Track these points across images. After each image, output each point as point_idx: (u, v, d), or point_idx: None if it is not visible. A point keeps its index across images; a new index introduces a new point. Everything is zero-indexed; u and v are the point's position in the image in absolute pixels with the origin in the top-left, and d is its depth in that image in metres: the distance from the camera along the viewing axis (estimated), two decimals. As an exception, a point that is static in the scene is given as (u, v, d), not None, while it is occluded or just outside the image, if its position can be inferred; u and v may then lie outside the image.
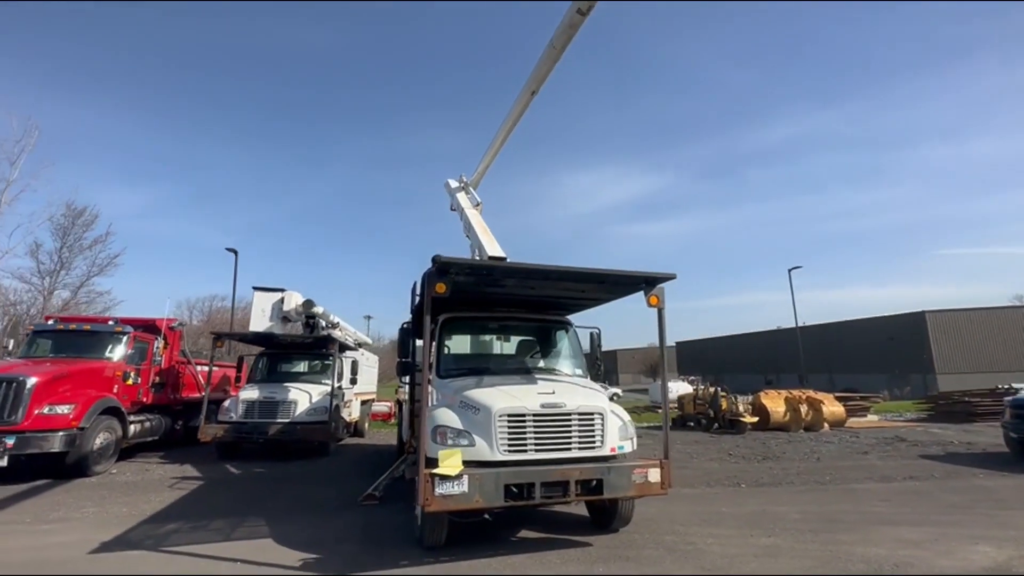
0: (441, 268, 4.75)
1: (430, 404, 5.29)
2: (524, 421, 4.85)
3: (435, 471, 4.42)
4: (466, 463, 4.63)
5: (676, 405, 20.95)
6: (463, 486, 4.44)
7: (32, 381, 8.35)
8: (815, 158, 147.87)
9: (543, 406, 4.91)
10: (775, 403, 17.03)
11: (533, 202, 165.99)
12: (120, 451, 9.86)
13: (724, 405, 16.94)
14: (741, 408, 16.66)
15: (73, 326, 10.51)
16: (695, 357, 72.85)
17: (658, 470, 5.06)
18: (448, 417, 4.98)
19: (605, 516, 5.67)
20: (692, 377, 23.76)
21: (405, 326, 6.96)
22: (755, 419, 16.37)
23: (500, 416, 4.79)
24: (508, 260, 7.64)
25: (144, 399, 10.88)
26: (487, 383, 5.44)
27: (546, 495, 4.70)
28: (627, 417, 5.52)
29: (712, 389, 17.83)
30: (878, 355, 44.31)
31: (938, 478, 8.68)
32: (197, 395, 12.49)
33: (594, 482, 4.84)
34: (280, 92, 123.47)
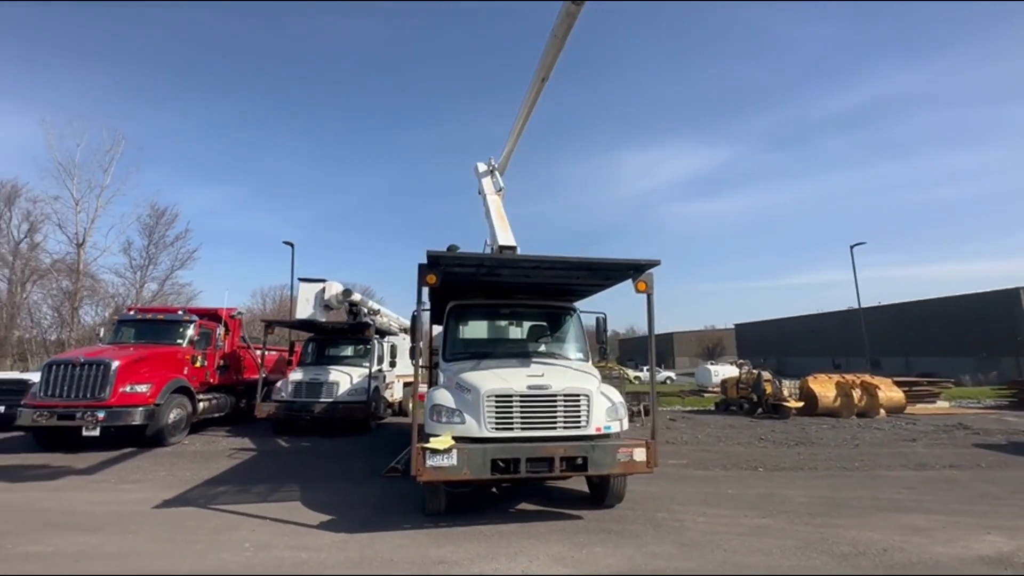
0: (432, 260, 5.15)
1: (434, 385, 5.77)
2: (511, 401, 5.20)
3: (426, 445, 4.89)
4: (458, 439, 5.06)
5: (719, 389, 20.52)
6: (452, 459, 4.88)
7: (116, 364, 9.70)
8: (900, 120, 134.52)
9: (529, 388, 5.23)
10: (824, 388, 16.28)
11: (590, 182, 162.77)
12: (191, 425, 11.21)
13: (768, 389, 16.41)
14: (786, 392, 16.07)
15: (149, 316, 11.99)
16: (755, 340, 69.73)
17: (643, 449, 5.25)
18: (444, 397, 5.43)
19: (600, 492, 5.94)
20: (741, 361, 22.99)
21: (415, 313, 7.46)
22: (800, 404, 15.76)
23: (488, 396, 5.17)
24: (518, 250, 7.98)
25: (211, 380, 12.24)
26: (484, 366, 5.82)
27: (532, 470, 5.05)
28: (618, 399, 5.72)
29: (755, 372, 17.26)
30: (963, 337, 40.55)
31: (983, 468, 8.16)
32: (257, 376, 13.82)
33: (579, 459, 5.12)
34: (337, 88, 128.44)
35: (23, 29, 64.82)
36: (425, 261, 5.27)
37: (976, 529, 5.15)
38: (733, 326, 79.26)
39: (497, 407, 5.17)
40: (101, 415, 9.32)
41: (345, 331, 13.26)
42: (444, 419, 5.24)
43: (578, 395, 5.33)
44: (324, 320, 12.23)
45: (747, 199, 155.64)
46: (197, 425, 11.82)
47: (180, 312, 12.11)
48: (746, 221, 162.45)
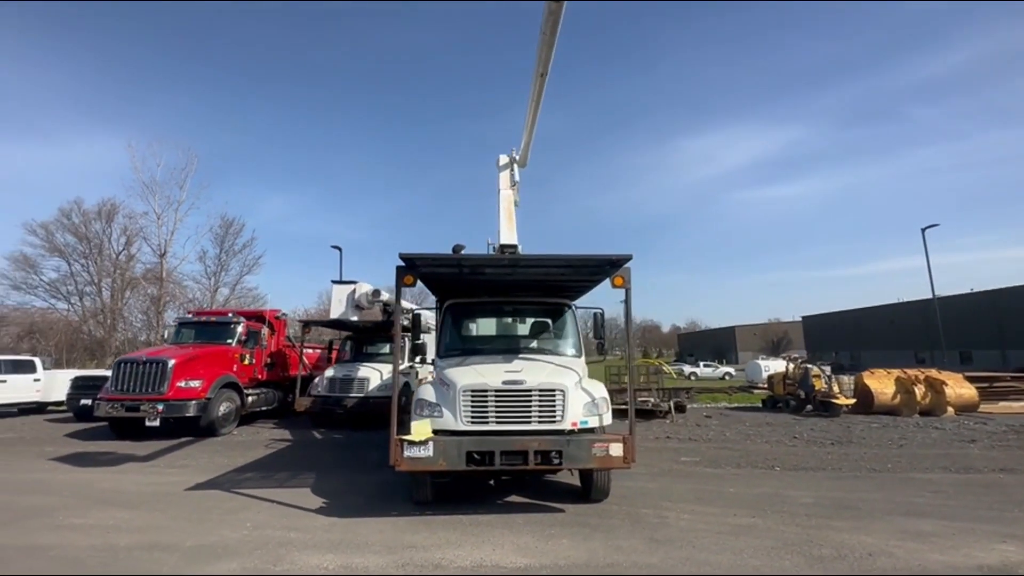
0: (408, 262, 5.42)
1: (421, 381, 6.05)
2: (486, 396, 5.37)
3: (404, 436, 5.18)
4: (436, 432, 5.32)
5: (766, 385, 19.53)
6: (429, 451, 5.14)
7: (172, 362, 10.84)
8: (1005, 82, 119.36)
9: (504, 383, 5.38)
10: (881, 384, 15.08)
11: (643, 173, 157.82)
12: (240, 417, 12.28)
13: (817, 385, 15.42)
14: (836, 388, 15.04)
15: (204, 318, 13.25)
16: (825, 333, 65.18)
17: (620, 445, 5.25)
18: (427, 392, 5.70)
19: (587, 487, 5.98)
20: (795, 355, 21.65)
21: (416, 312, 7.79)
22: (851, 401, 14.71)
23: (464, 391, 5.38)
24: (520, 249, 8.10)
25: (259, 376, 13.33)
26: (469, 362, 6.04)
27: (506, 463, 5.19)
28: (600, 394, 5.73)
29: (803, 367, 16.27)
30: (1074, 326, 35.71)
31: (1040, 472, 7.33)
32: (304, 373, 14.86)
33: (553, 453, 5.21)
34: (392, 97, 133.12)
35: (112, 61, 72.67)
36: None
37: (991, 537, 4.73)
38: (800, 319, 74.43)
39: (473, 401, 5.37)
40: (160, 407, 10.47)
41: (378, 329, 13.95)
42: (425, 413, 5.50)
43: (553, 390, 5.41)
44: (356, 319, 12.93)
45: (819, 182, 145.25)
46: (247, 417, 12.92)
47: (230, 315, 13.28)
48: (817, 205, 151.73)
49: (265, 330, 13.49)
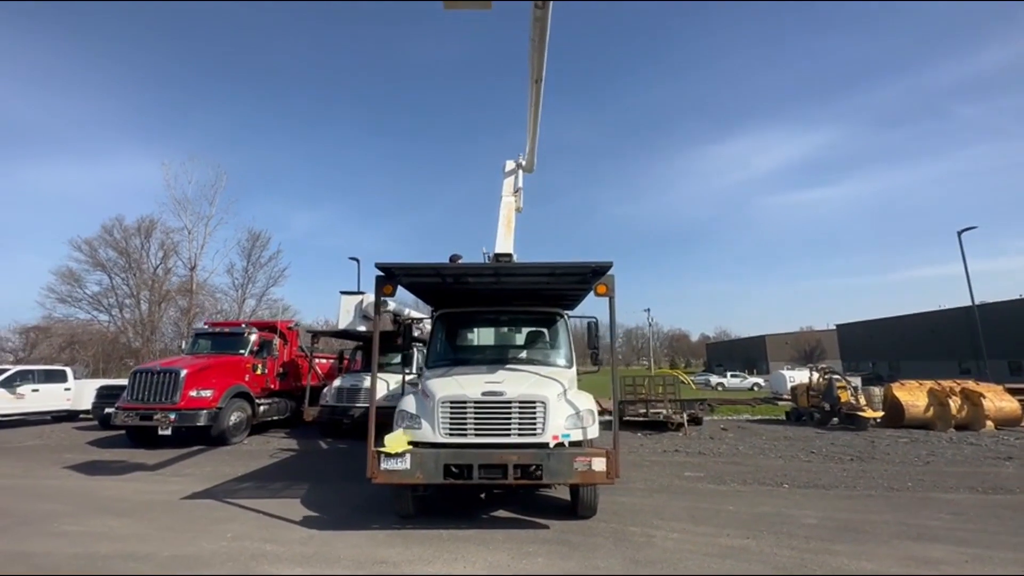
0: (387, 272, 5.40)
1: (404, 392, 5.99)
2: (465, 407, 5.27)
3: (380, 448, 5.12)
4: (415, 444, 5.25)
5: (789, 397, 18.76)
6: (406, 463, 5.06)
7: (184, 372, 11.12)
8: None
9: (484, 394, 5.27)
10: (912, 396, 14.25)
11: (674, 180, 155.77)
12: (252, 427, 12.49)
13: (843, 397, 14.69)
14: (863, 400, 14.30)
15: (218, 329, 13.58)
16: (861, 342, 62.48)
17: (603, 459, 5.05)
18: (408, 403, 5.64)
19: (574, 503, 5.78)
20: (823, 365, 20.72)
21: (408, 322, 7.76)
22: (879, 414, 13.95)
23: (443, 403, 5.29)
24: (514, 257, 8.01)
25: (271, 386, 13.55)
26: (452, 373, 5.96)
27: (484, 476, 5.07)
28: (586, 407, 5.55)
29: (826, 377, 15.54)
30: None
31: (1080, 494, 6.72)
32: (315, 383, 15.04)
33: (533, 467, 5.06)
34: (418, 109, 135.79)
35: (151, 83, 76.55)
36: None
37: (1008, 565, 4.33)
38: (834, 327, 71.63)
39: (452, 413, 5.27)
40: (172, 417, 10.73)
41: (390, 338, 14.03)
42: (405, 424, 5.44)
43: (533, 402, 5.26)
44: (363, 329, 13.04)
45: (854, 185, 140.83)
46: (259, 427, 13.13)
47: (243, 325, 13.58)
48: (852, 209, 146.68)
49: (277, 340, 13.74)
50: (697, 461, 9.29)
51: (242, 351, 12.90)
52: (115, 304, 41.14)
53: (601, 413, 18.29)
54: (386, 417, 12.37)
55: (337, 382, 12.80)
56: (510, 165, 11.18)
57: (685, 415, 13.25)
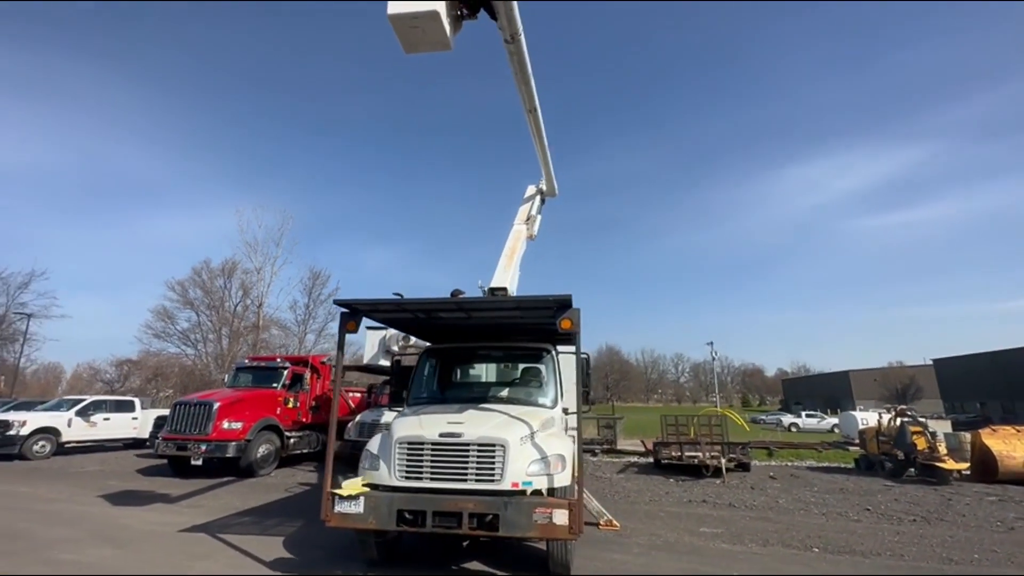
0: (351, 308, 5.40)
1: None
2: (422, 449, 5.04)
3: (335, 490, 4.98)
4: (373, 486, 5.07)
5: (857, 442, 16.68)
6: (359, 507, 4.87)
7: (217, 404, 11.72)
8: None
9: (441, 435, 5.02)
10: (1008, 445, 12.16)
11: (742, 206, 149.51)
12: (281, 459, 12.84)
13: (921, 444, 12.79)
14: (943, 449, 12.36)
15: (256, 364, 14.30)
16: (963, 379, 55.03)
17: (565, 512, 4.59)
18: (373, 443, 5.51)
19: (547, 558, 5.28)
20: (904, 407, 18.26)
21: (398, 359, 7.71)
22: (961, 466, 11.97)
23: (400, 443, 5.09)
24: (511, 291, 7.82)
25: (303, 419, 13.96)
26: (423, 411, 5.76)
27: (439, 524, 4.75)
28: (556, 451, 5.12)
29: (900, 421, 13.64)
30: None
31: None
32: (347, 416, 15.34)
33: (490, 517, 4.69)
34: (481, 142, 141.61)
35: (242, 138, 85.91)
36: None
37: None
38: (930, 361, 63.89)
39: (409, 454, 5.06)
40: (203, 447, 11.27)
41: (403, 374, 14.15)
42: (367, 465, 5.29)
43: (492, 445, 4.93)
44: (385, 363, 13.21)
45: (950, 204, 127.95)
46: (290, 459, 13.48)
47: (278, 360, 14.22)
48: (948, 231, 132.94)
49: (309, 374, 14.22)
50: (722, 515, 8.32)
51: (275, 385, 13.45)
52: (200, 339, 45.09)
53: (645, 454, 17.11)
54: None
55: (359, 417, 12.96)
56: (530, 190, 11.00)
57: (724, 460, 12.04)
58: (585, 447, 18.31)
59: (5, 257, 63.15)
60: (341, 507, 4.89)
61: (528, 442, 5.11)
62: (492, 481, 4.86)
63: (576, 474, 5.04)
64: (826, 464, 16.71)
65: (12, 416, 15.16)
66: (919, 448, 12.69)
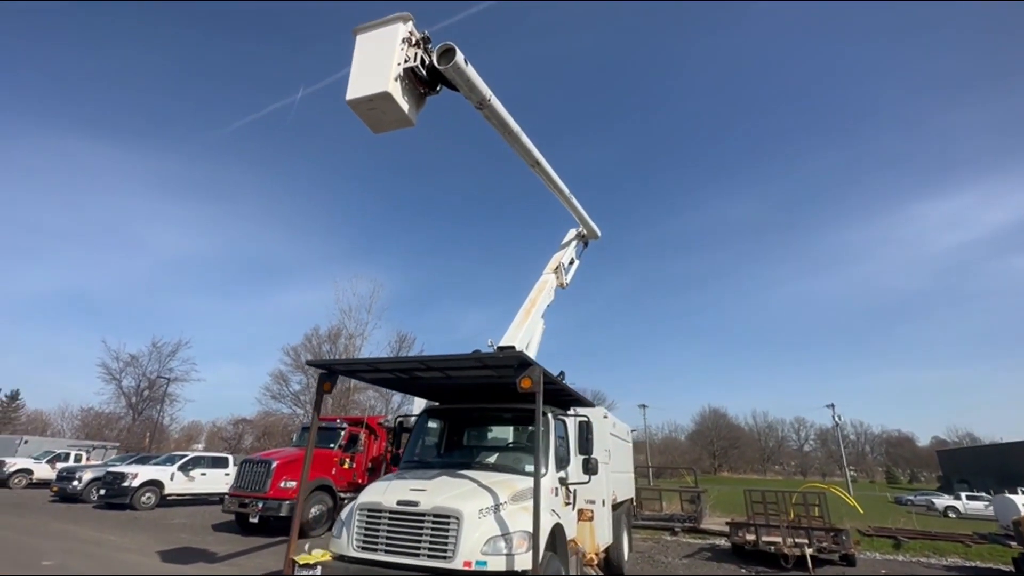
0: (328, 369, 5.52)
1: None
2: (380, 517, 4.81)
3: (296, 557, 4.87)
4: (336, 556, 4.90)
5: (1013, 533, 13.07)
6: (316, 576, 4.70)
7: (275, 463, 12.39)
8: None
9: (399, 503, 4.77)
10: None
11: (869, 248, 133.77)
12: (332, 520, 13.03)
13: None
14: None
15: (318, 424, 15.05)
16: None
17: (518, 602, 4.03)
18: (346, 509, 5.37)
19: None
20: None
21: (399, 420, 7.62)
22: None
23: (360, 510, 4.92)
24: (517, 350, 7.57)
25: (359, 480, 14.21)
26: (404, 475, 5.57)
27: (390, 603, 4.41)
28: (522, 528, 4.59)
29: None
30: None
31: None
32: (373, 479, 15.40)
33: (439, 600, 4.26)
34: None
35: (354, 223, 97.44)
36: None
37: None
38: None
39: (367, 522, 4.85)
40: (260, 505, 11.84)
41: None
42: (335, 532, 5.15)
43: (447, 517, 4.55)
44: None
45: None
46: (343, 521, 13.65)
47: (337, 420, 14.85)
48: None
49: (364, 435, 14.62)
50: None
51: (332, 445, 13.97)
52: (309, 401, 49.25)
53: (721, 534, 14.95)
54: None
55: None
56: (570, 234, 10.87)
57: (810, 549, 9.95)
58: (664, 524, 16.45)
59: (158, 328, 74.65)
60: (301, 574, 4.76)
61: (490, 515, 4.65)
62: (444, 559, 4.44)
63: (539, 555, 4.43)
64: (976, 564, 13.19)
65: (127, 469, 17.32)
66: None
